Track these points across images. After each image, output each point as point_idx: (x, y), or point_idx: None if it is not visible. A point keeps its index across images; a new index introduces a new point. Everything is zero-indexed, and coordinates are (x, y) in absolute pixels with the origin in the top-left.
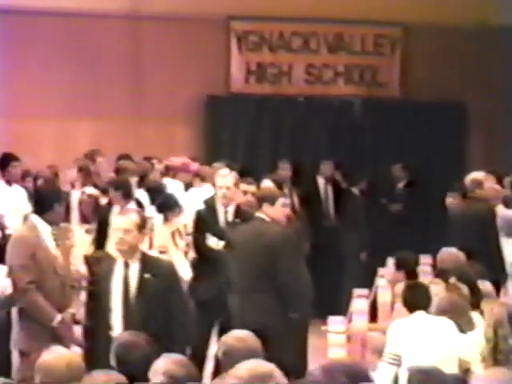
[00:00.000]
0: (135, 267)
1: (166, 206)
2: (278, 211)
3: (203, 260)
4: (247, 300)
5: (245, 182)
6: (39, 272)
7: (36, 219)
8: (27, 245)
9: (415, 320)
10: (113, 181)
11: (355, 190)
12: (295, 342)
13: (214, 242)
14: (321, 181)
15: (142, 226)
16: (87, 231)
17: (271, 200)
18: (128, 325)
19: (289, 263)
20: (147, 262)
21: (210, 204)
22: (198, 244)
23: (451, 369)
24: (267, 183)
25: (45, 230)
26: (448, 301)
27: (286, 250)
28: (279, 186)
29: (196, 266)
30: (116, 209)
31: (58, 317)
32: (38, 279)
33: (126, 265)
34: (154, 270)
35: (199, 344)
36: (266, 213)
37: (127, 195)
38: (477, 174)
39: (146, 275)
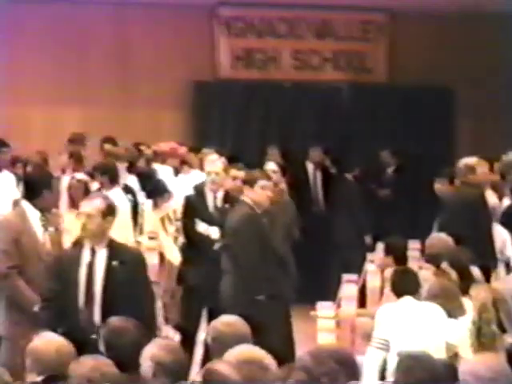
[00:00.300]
0: (102, 254)
1: (156, 191)
2: (258, 194)
3: (192, 245)
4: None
5: (235, 167)
6: (22, 257)
7: (26, 205)
8: (10, 230)
9: (403, 305)
10: (99, 165)
11: (349, 176)
12: (278, 326)
13: (203, 228)
14: (310, 166)
15: (108, 212)
16: (78, 216)
17: (250, 183)
18: (93, 312)
19: (243, 245)
20: (115, 249)
21: (199, 189)
22: (188, 229)
23: (439, 354)
24: (271, 166)
25: (34, 215)
26: (439, 286)
27: (240, 233)
28: (283, 169)
29: (185, 251)
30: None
31: (39, 303)
32: (20, 264)
33: (93, 251)
34: (122, 257)
35: (188, 329)
36: (248, 196)
37: (113, 180)
38: (469, 160)
39: (114, 262)
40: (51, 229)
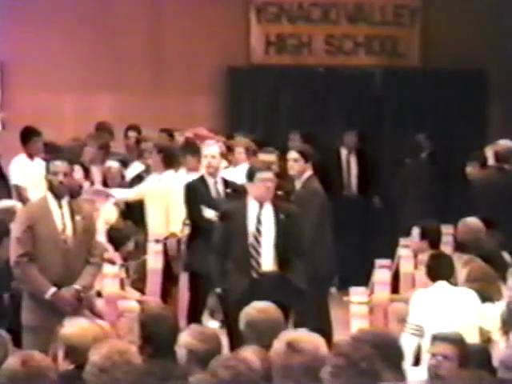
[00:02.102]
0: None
1: None
2: (254, 188)
3: (199, 232)
4: None
5: (265, 151)
6: (37, 244)
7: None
8: (24, 218)
9: (437, 290)
10: (156, 144)
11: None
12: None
13: (210, 214)
14: (343, 151)
15: None
16: (116, 204)
17: (249, 176)
18: None
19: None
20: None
21: (199, 176)
22: (195, 216)
23: (472, 338)
24: (293, 155)
25: (61, 202)
26: (480, 270)
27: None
28: (305, 157)
29: (192, 237)
30: (153, 176)
31: (51, 290)
32: (34, 252)
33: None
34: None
35: (193, 316)
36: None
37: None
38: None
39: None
40: (78, 217)
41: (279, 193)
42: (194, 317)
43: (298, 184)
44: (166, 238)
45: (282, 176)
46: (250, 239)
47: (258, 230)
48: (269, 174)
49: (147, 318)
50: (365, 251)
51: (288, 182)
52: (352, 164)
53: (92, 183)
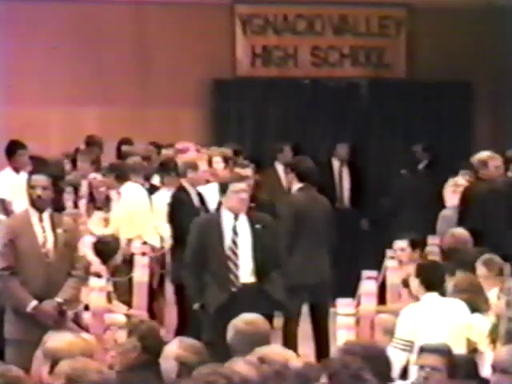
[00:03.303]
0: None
1: None
2: (228, 200)
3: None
4: None
5: (240, 165)
6: (19, 258)
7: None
8: (5, 231)
9: (426, 304)
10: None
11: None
12: None
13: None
14: (335, 163)
15: None
16: (105, 220)
17: (223, 189)
18: None
19: None
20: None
21: (181, 187)
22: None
23: (460, 349)
24: (279, 168)
25: (41, 215)
26: (466, 280)
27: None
28: (293, 168)
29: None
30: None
31: (32, 303)
32: (15, 265)
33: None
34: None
35: (181, 329)
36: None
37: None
38: (482, 154)
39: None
40: (60, 230)
41: (252, 205)
42: (183, 330)
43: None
44: (153, 251)
45: (258, 189)
46: (227, 252)
47: (235, 242)
48: (242, 185)
49: (149, 328)
50: (352, 262)
51: (263, 194)
52: (344, 176)
53: (77, 199)
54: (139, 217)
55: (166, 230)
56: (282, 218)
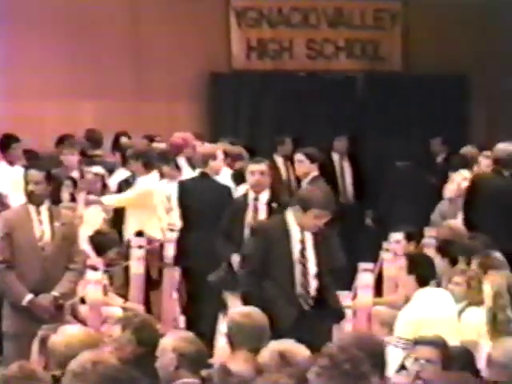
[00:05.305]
0: None
1: None
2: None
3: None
4: None
5: (255, 161)
6: (15, 251)
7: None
8: (2, 225)
9: (423, 300)
10: (134, 151)
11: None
12: None
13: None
14: (335, 157)
15: None
16: (105, 211)
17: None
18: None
19: None
20: None
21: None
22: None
23: (455, 341)
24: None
25: (39, 209)
26: (461, 273)
27: None
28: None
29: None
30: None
31: (28, 297)
32: (12, 259)
33: None
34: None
35: (208, 320)
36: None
37: (148, 165)
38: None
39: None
40: (57, 223)
41: (274, 205)
42: (209, 320)
43: (304, 185)
44: (149, 243)
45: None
46: (296, 265)
47: (303, 255)
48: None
49: (142, 321)
50: (349, 255)
51: (283, 193)
52: (346, 169)
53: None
54: (147, 210)
55: (165, 222)
56: None
